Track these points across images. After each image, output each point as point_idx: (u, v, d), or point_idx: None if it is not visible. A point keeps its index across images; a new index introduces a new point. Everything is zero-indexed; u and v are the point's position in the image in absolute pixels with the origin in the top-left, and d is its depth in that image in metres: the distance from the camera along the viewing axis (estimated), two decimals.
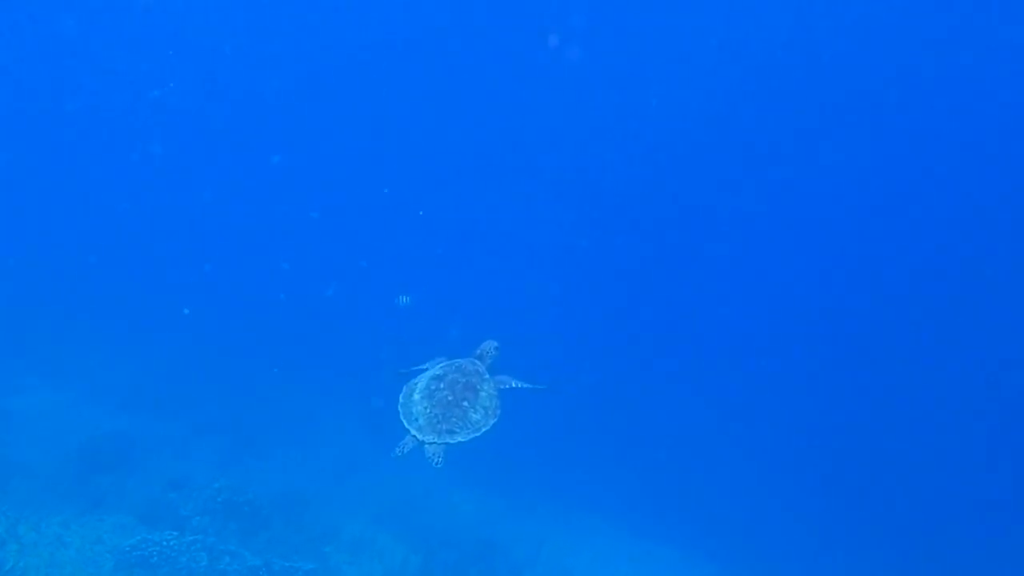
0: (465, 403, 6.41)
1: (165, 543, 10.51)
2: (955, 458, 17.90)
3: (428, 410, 6.36)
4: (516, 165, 22.51)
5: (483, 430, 6.35)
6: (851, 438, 18.46)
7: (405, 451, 6.40)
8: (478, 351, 6.96)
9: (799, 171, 21.80)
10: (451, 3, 22.06)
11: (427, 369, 6.86)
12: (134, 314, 17.75)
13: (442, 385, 6.48)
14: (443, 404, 6.37)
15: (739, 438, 17.97)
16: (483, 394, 6.48)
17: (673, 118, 22.27)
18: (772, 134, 21.83)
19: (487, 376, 6.67)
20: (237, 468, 13.51)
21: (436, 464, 6.27)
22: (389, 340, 14.62)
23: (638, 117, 22.60)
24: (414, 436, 6.33)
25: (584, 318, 20.50)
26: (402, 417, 6.42)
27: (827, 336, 20.88)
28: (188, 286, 18.00)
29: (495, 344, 6.98)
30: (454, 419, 6.31)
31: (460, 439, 6.27)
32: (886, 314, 20.72)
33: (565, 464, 16.54)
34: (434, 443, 6.26)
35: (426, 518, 13.78)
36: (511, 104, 22.65)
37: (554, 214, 22.27)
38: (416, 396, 6.50)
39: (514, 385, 6.78)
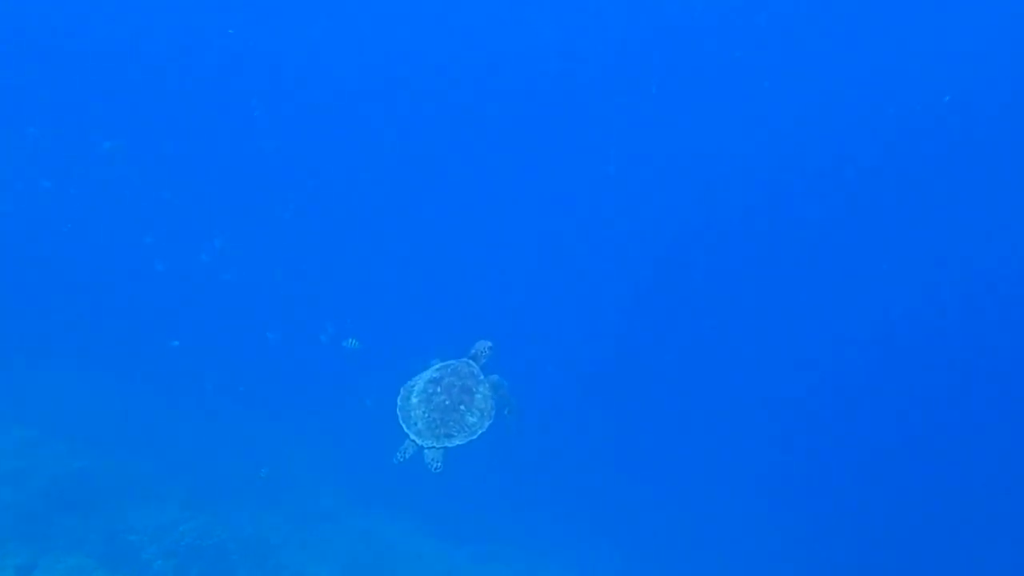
0: (462, 407, 6.62)
1: None
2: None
3: (426, 415, 6.57)
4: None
5: (479, 432, 6.59)
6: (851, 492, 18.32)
7: (406, 456, 6.65)
8: (472, 351, 7.12)
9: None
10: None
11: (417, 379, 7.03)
12: (103, 349, 17.42)
13: (439, 389, 6.69)
14: (441, 409, 6.58)
15: (732, 492, 17.71)
16: (478, 396, 6.69)
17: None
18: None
19: (482, 378, 6.87)
20: (203, 511, 13.21)
21: (435, 469, 6.51)
22: (368, 388, 14.49)
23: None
24: (413, 441, 6.55)
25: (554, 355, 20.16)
26: (401, 421, 6.66)
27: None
28: (164, 322, 17.69)
29: (489, 344, 7.16)
30: (452, 423, 6.52)
31: (458, 442, 6.52)
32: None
33: (535, 515, 16.38)
34: (433, 447, 6.48)
35: (393, 568, 13.56)
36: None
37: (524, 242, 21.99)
38: (414, 400, 6.73)
39: (501, 401, 6.94)
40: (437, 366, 7.00)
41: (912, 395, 19.82)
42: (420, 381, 6.86)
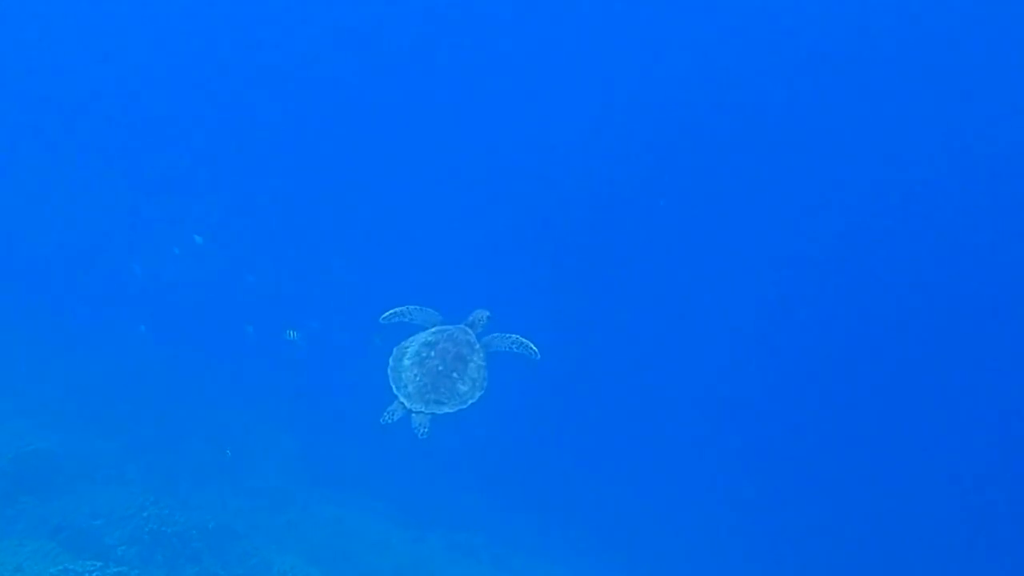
0: (454, 374, 6.50)
1: (88, 574, 10.11)
2: None
3: (418, 378, 6.46)
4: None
5: (469, 402, 6.49)
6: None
7: (394, 418, 6.53)
8: (469, 319, 7.04)
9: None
10: None
11: (412, 318, 7.08)
12: (67, 323, 17.08)
13: (433, 353, 6.57)
14: (433, 374, 6.45)
15: (714, 488, 17.63)
16: (472, 366, 6.59)
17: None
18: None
19: (477, 347, 6.79)
20: (168, 495, 13.07)
21: (422, 434, 6.39)
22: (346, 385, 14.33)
23: None
24: (402, 403, 6.44)
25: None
26: (391, 382, 6.54)
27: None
28: (126, 295, 17.30)
29: (487, 313, 7.09)
30: (443, 390, 6.41)
31: (447, 410, 6.41)
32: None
33: (508, 503, 16.37)
34: (421, 412, 6.37)
35: (361, 557, 13.52)
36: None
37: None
38: (406, 362, 6.62)
39: (505, 347, 6.96)
40: (433, 330, 6.92)
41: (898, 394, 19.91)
42: (414, 343, 6.76)
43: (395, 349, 6.81)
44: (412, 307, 7.10)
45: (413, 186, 21.28)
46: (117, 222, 18.58)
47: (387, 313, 7.06)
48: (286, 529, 13.53)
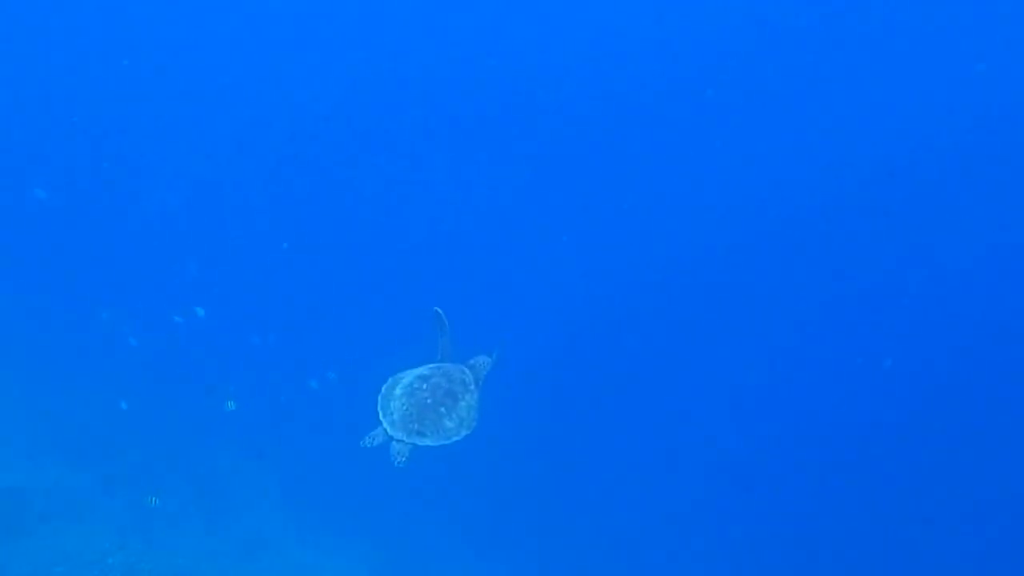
0: (442, 409, 6.53)
1: None
2: None
3: (405, 407, 6.50)
4: None
5: (453, 439, 6.50)
6: None
7: (374, 443, 6.54)
8: (471, 361, 7.17)
9: None
10: None
11: (439, 331, 7.20)
12: (40, 351, 16.66)
13: (425, 386, 6.63)
14: (421, 405, 6.49)
15: (715, 519, 17.16)
16: (462, 404, 6.62)
17: None
18: None
19: (472, 387, 6.85)
20: (137, 538, 12.82)
21: (398, 463, 6.37)
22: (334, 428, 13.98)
23: None
24: (385, 430, 6.46)
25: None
26: (379, 408, 6.60)
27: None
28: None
29: (488, 359, 7.24)
30: (427, 422, 6.42)
31: (428, 442, 6.41)
32: None
33: (488, 551, 16.06)
34: (402, 441, 6.38)
35: None
36: None
37: None
38: (397, 391, 6.68)
39: (488, 365, 7.14)
40: (431, 365, 6.99)
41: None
42: (409, 375, 6.83)
43: (389, 378, 6.87)
44: (448, 326, 7.19)
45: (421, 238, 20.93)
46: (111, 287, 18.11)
47: (437, 309, 7.18)
48: None
